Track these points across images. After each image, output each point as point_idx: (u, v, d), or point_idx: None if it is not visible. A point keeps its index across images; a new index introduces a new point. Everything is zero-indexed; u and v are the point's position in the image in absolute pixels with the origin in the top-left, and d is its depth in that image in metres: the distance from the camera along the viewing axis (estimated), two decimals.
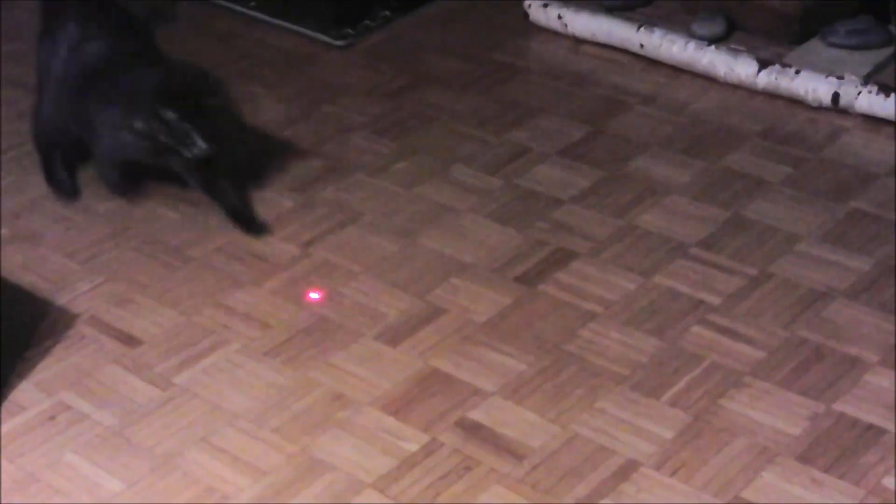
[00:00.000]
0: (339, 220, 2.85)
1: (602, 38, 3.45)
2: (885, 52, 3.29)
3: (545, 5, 3.54)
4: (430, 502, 2.10)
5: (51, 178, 2.93)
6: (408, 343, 2.45)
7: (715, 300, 2.52)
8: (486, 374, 2.36)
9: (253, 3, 3.78)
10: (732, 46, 3.34)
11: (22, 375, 2.41)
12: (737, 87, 3.25)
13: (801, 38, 3.37)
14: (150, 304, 2.60)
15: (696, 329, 2.45)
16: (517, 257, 2.68)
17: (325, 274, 2.67)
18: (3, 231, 2.86)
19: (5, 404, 2.35)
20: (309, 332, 2.50)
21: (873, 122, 3.07)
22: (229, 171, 2.81)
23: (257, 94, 3.36)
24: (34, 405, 2.34)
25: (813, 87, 3.13)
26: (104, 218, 2.90)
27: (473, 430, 2.24)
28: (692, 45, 3.32)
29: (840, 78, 3.12)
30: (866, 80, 3.13)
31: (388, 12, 3.70)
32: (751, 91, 3.23)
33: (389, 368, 2.39)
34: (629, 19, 3.46)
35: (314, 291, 2.34)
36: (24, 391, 2.38)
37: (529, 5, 3.58)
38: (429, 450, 2.20)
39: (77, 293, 2.64)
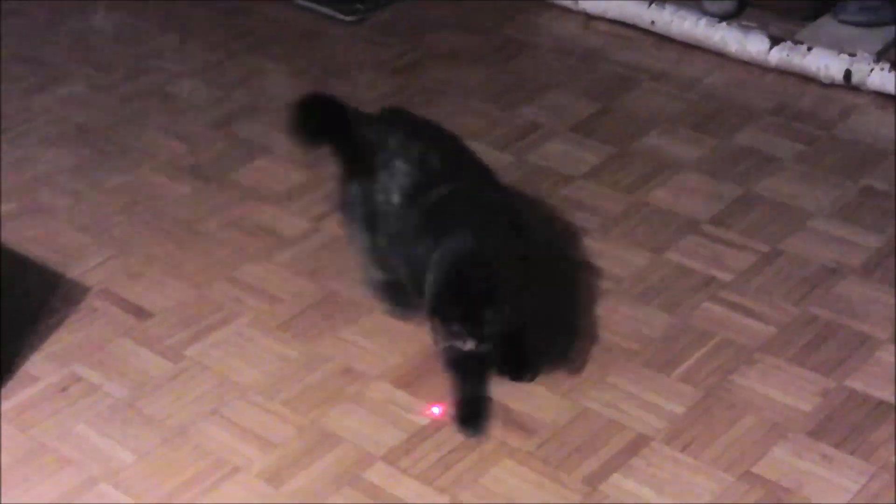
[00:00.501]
0: None
1: (613, 15, 3.44)
2: None
3: None
4: (441, 475, 2.10)
5: (388, 300, 2.47)
6: (418, 317, 2.44)
7: (726, 276, 2.52)
8: None
9: None
10: (744, 23, 3.33)
11: (34, 347, 2.42)
12: (748, 64, 3.24)
13: (812, 14, 3.35)
14: (161, 278, 2.60)
15: (707, 305, 2.45)
16: None
17: (336, 249, 2.66)
18: (14, 205, 2.86)
19: (17, 375, 2.35)
20: (319, 307, 2.50)
21: (885, 99, 3.06)
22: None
23: (266, 68, 3.36)
24: (46, 376, 2.35)
25: (825, 63, 3.12)
26: (114, 192, 2.90)
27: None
28: (703, 21, 3.30)
29: (852, 55, 3.11)
30: (878, 58, 3.11)
31: None
32: (762, 68, 3.22)
33: (399, 342, 2.39)
34: None
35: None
36: (36, 363, 2.38)
37: None
38: (439, 423, 2.20)
39: (88, 266, 2.64)
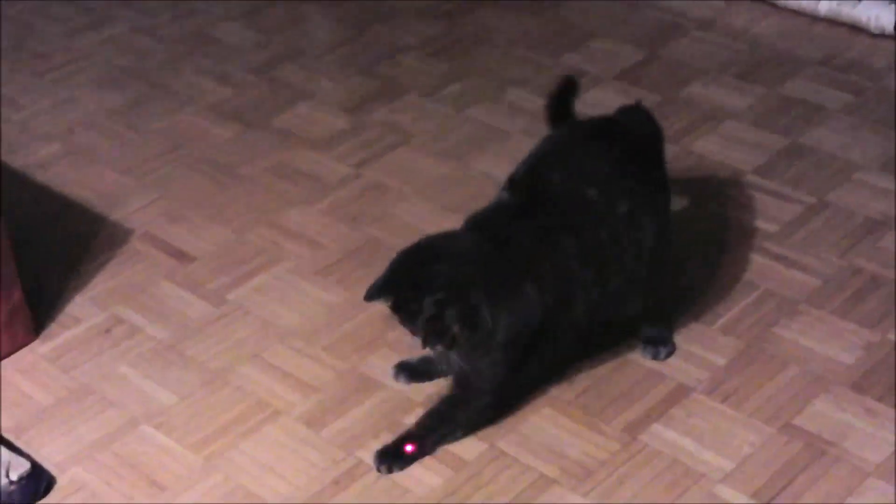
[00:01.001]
0: (391, 142, 2.83)
1: None
2: None
3: None
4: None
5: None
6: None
7: (771, 227, 2.49)
8: None
9: None
10: None
11: (77, 289, 2.43)
12: (797, 13, 3.19)
13: None
14: (203, 222, 2.61)
15: (750, 257, 2.43)
16: None
17: (376, 195, 2.66)
18: (57, 147, 2.88)
19: (60, 317, 2.37)
20: (359, 253, 2.50)
21: None
22: None
23: (309, 13, 3.34)
24: (89, 318, 2.37)
25: (875, 14, 3.07)
26: (158, 135, 2.90)
27: None
28: None
29: None
30: None
31: None
32: (812, 17, 3.17)
33: None
34: None
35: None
36: (80, 304, 2.40)
37: None
38: None
39: (131, 209, 2.65)
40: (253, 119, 2.94)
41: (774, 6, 3.22)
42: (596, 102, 2.91)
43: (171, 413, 2.16)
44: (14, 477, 1.97)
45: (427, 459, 2.03)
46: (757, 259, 2.42)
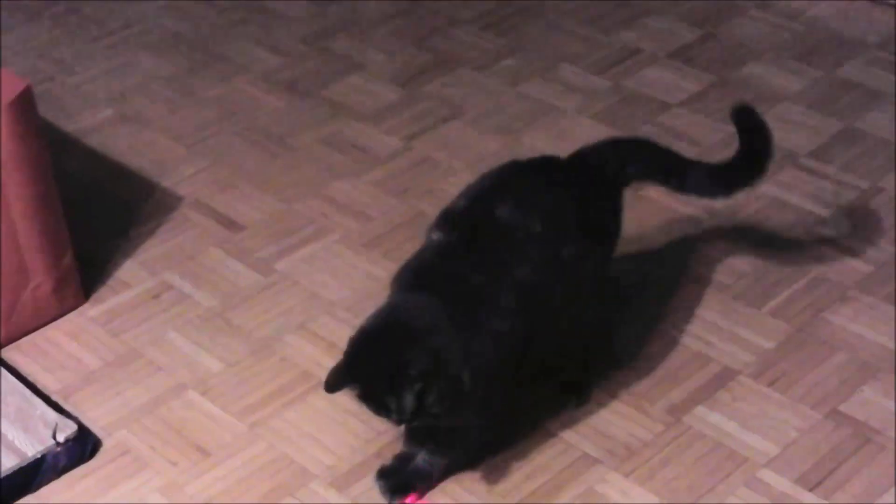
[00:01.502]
0: (442, 116, 2.83)
1: None
2: None
3: None
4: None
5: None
6: None
7: (823, 212, 2.47)
8: None
9: None
10: None
11: (127, 254, 2.45)
12: None
13: None
14: (253, 191, 2.62)
15: (802, 240, 2.40)
16: None
17: (425, 168, 2.66)
18: (110, 112, 2.90)
19: (110, 281, 2.39)
20: (408, 226, 2.49)
21: None
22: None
23: None
24: (138, 283, 2.39)
25: None
26: (210, 103, 2.91)
27: None
28: None
29: None
30: None
31: None
32: (871, 0, 3.12)
33: None
34: None
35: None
36: (129, 269, 2.42)
37: None
38: None
39: (182, 177, 2.67)
40: (305, 89, 2.95)
41: None
42: (650, 81, 2.89)
43: (218, 380, 2.17)
44: (61, 438, 1.99)
45: None
46: (808, 243, 2.40)
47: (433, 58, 3.03)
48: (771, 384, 2.10)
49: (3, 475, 1.93)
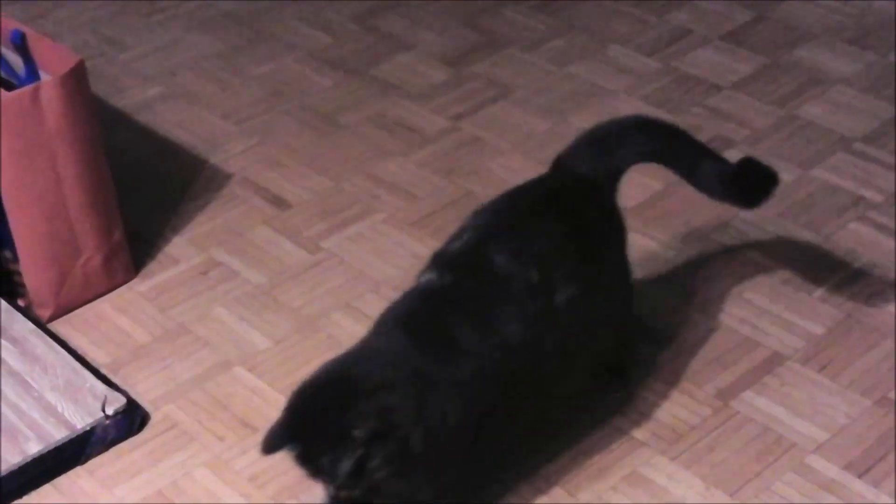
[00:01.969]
0: (490, 95, 2.82)
1: None
2: None
3: None
4: None
5: None
6: None
7: (876, 197, 2.44)
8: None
9: None
10: None
11: (175, 230, 2.47)
12: None
13: None
14: (301, 169, 2.62)
15: (853, 226, 2.38)
16: None
17: (473, 148, 2.65)
18: (160, 89, 2.91)
19: (158, 257, 2.41)
20: (454, 206, 2.49)
21: None
22: None
23: None
24: (187, 259, 2.40)
25: None
26: (259, 81, 2.92)
27: None
28: None
29: None
30: None
31: None
32: None
33: None
34: None
35: None
36: (178, 245, 2.43)
37: None
38: None
39: (231, 154, 2.68)
40: (353, 68, 2.95)
41: None
42: (701, 63, 2.87)
43: (264, 356, 2.18)
44: (110, 411, 2.01)
45: None
46: (860, 228, 2.37)
47: (482, 38, 3.02)
48: (820, 370, 2.09)
49: (53, 447, 1.96)
